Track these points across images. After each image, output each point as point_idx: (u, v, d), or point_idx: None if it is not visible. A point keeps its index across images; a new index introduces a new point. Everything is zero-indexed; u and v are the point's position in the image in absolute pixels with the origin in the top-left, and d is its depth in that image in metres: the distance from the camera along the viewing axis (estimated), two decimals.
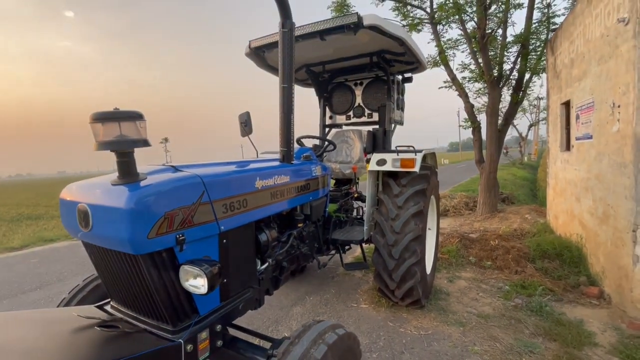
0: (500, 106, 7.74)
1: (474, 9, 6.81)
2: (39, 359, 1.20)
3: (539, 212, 7.40)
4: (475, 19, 6.95)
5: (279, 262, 2.40)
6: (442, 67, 7.62)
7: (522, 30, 6.88)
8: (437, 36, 7.50)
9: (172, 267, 1.49)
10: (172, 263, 1.49)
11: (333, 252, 3.55)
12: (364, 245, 3.80)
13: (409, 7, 7.60)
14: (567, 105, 5.12)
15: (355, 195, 4.04)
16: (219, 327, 1.70)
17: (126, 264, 1.49)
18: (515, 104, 7.46)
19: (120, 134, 1.34)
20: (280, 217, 2.53)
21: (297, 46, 2.69)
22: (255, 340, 1.90)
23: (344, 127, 4.52)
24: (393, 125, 4.08)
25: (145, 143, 1.38)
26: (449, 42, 7.75)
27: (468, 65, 8.10)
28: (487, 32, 6.84)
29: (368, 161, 3.38)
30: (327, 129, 4.55)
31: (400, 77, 4.18)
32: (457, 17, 7.02)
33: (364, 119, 4.31)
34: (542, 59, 6.86)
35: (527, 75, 7.26)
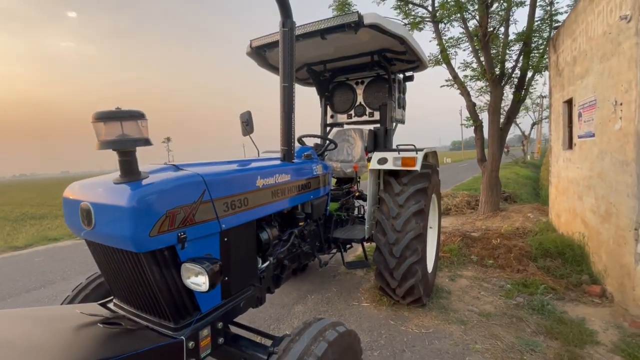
0: (503, 105, 7.72)
1: (476, 7, 6.78)
2: (43, 355, 1.21)
3: (541, 211, 7.38)
4: (477, 17, 6.93)
5: (280, 261, 2.42)
6: (444, 65, 7.60)
7: (525, 28, 6.85)
8: (438, 35, 7.48)
9: (173, 264, 1.51)
10: (173, 261, 1.51)
11: (334, 250, 3.56)
12: (365, 243, 3.81)
13: (410, 6, 7.58)
14: (569, 103, 5.10)
15: (357, 194, 4.05)
16: (220, 325, 1.71)
17: (128, 261, 1.50)
18: (518, 102, 7.43)
19: (122, 133, 1.36)
20: (282, 216, 2.54)
21: (298, 45, 2.69)
22: (257, 338, 1.91)
23: (345, 126, 4.52)
24: (394, 124, 4.08)
25: (146, 142, 1.40)
26: (451, 40, 7.73)
27: (470, 64, 8.08)
28: (489, 30, 6.82)
29: (369, 160, 3.38)
30: (328, 128, 4.56)
31: (401, 75, 4.17)
32: (458, 15, 6.99)
33: (365, 117, 4.31)
34: (545, 56, 6.83)
35: (529, 74, 7.23)
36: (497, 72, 7.08)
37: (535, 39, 7.10)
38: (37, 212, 13.96)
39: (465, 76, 8.04)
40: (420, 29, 7.55)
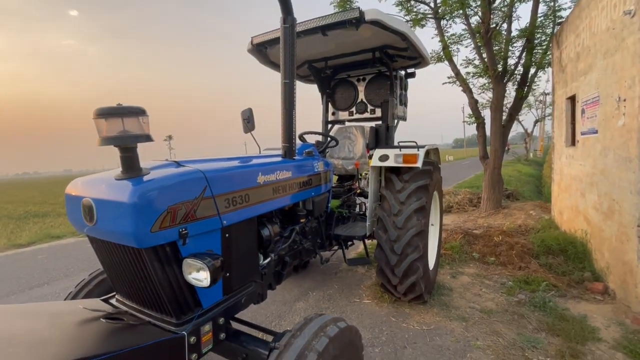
0: (505, 102, 7.66)
1: (478, 3, 6.73)
2: (46, 349, 1.22)
3: (543, 209, 7.35)
4: (480, 14, 6.88)
5: (281, 257, 2.42)
6: (446, 62, 7.56)
7: (528, 24, 6.79)
8: (440, 31, 7.44)
9: (175, 260, 1.51)
10: (175, 256, 1.51)
11: (336, 247, 3.57)
12: (366, 240, 3.81)
13: (412, 2, 7.53)
14: (572, 99, 5.07)
15: (358, 191, 4.05)
16: (222, 320, 1.72)
17: (130, 257, 1.51)
18: (520, 99, 7.39)
19: (124, 129, 1.36)
20: (283, 213, 2.54)
21: (299, 42, 2.68)
22: (259, 334, 1.92)
23: (347, 124, 4.51)
24: (396, 121, 4.07)
25: (148, 138, 1.40)
26: (453, 37, 7.68)
27: (472, 61, 8.03)
28: (491, 26, 6.77)
29: (370, 157, 3.37)
30: (329, 125, 4.55)
31: (403, 72, 4.16)
32: (461, 11, 6.95)
33: (366, 115, 4.30)
34: (548, 53, 6.78)
35: (532, 70, 7.18)
36: (500, 69, 7.04)
37: (538, 35, 7.05)
38: (40, 210, 14.04)
39: (468, 73, 8.01)
40: (422, 26, 7.50)
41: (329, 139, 3.59)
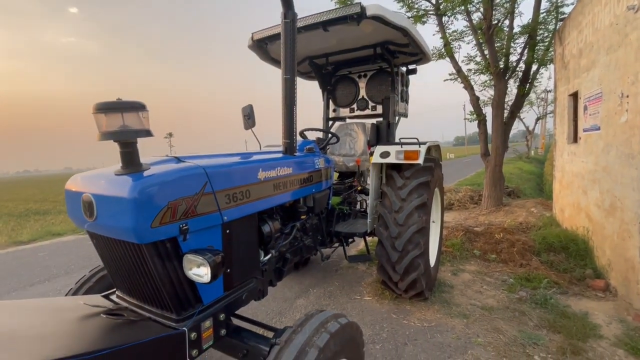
0: (507, 99, 7.62)
1: None
2: (47, 344, 1.22)
3: (545, 206, 7.33)
4: (482, 10, 6.83)
5: (282, 254, 2.42)
6: (448, 59, 7.52)
7: (530, 21, 6.75)
8: (442, 28, 7.39)
9: (175, 256, 1.51)
10: (175, 252, 1.51)
11: (336, 244, 3.56)
12: (367, 237, 3.80)
13: None
14: (574, 96, 5.04)
15: (359, 188, 4.04)
16: (222, 317, 1.72)
17: (130, 253, 1.50)
18: (522, 96, 7.35)
19: (123, 124, 1.35)
20: (284, 209, 2.53)
21: (300, 38, 2.67)
22: (259, 330, 1.92)
23: (348, 120, 4.50)
24: (397, 117, 4.05)
25: (147, 133, 1.39)
26: (455, 33, 7.64)
27: (474, 57, 7.98)
28: (493, 23, 6.72)
29: (372, 154, 3.36)
30: (330, 122, 4.53)
31: (404, 68, 4.13)
32: (462, 8, 6.89)
33: (367, 111, 4.28)
34: (550, 49, 6.74)
35: (534, 67, 7.13)
36: (502, 66, 7.00)
37: (540, 32, 7.00)
38: (41, 207, 14.07)
39: (469, 70, 7.96)
40: (424, 22, 7.45)
41: (329, 135, 3.58)
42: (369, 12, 2.66)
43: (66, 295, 2.05)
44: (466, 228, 5.46)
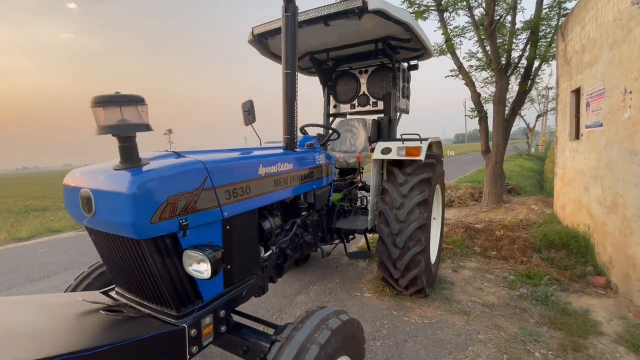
0: (508, 96, 7.58)
1: None
2: (46, 340, 1.21)
3: (545, 203, 7.32)
4: (484, 5, 6.78)
5: (282, 250, 2.40)
6: (449, 55, 7.47)
7: (532, 16, 6.70)
8: (443, 24, 7.34)
9: (175, 252, 1.49)
10: (175, 248, 1.49)
11: (337, 241, 3.55)
12: (368, 234, 3.79)
13: None
14: (577, 92, 5.01)
15: (360, 184, 4.02)
16: (222, 313, 1.70)
17: (130, 249, 1.49)
18: (523, 92, 7.31)
19: (122, 118, 1.32)
20: (284, 205, 2.52)
21: (301, 32, 2.63)
22: (260, 327, 1.91)
23: (349, 116, 4.47)
24: (398, 113, 4.02)
25: (146, 127, 1.36)
26: (456, 29, 7.59)
27: (475, 54, 7.93)
28: (495, 18, 6.68)
29: (373, 150, 3.34)
30: (331, 118, 4.50)
31: (405, 64, 4.10)
32: (464, 3, 6.85)
33: (368, 107, 4.25)
34: (552, 45, 6.69)
35: (536, 63, 7.10)
36: (503, 62, 6.96)
37: (543, 27, 6.95)
38: (40, 204, 14.06)
39: (471, 66, 7.91)
40: (425, 18, 7.40)
41: (330, 131, 3.56)
42: (370, 7, 2.63)
43: (65, 291, 2.03)
44: (467, 225, 5.45)
